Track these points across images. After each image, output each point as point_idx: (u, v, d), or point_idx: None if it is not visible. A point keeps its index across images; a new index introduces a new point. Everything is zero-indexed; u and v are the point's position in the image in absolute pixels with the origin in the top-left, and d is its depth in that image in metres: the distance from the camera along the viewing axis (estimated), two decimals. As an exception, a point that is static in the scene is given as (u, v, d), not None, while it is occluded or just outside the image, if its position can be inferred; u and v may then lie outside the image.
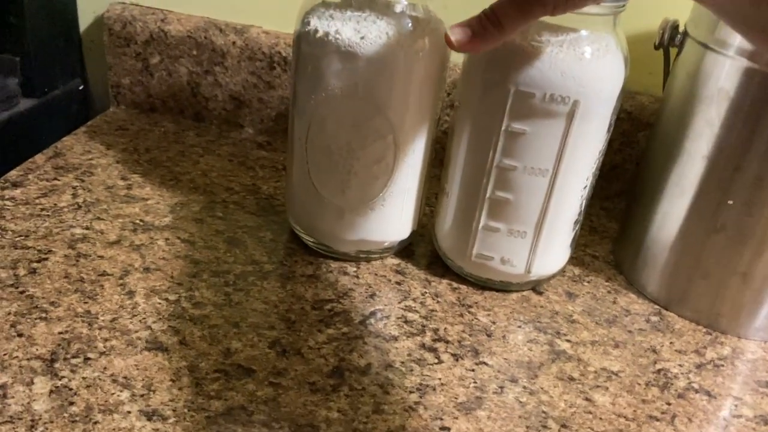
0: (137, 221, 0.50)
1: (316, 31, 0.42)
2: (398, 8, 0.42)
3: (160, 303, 0.43)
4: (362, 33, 0.41)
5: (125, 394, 0.36)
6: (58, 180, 0.54)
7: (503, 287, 0.48)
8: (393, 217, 0.47)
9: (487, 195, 0.44)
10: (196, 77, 0.65)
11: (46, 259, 0.45)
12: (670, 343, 0.45)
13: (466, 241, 0.46)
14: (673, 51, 0.49)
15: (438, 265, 0.50)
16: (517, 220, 0.45)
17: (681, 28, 0.48)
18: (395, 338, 0.43)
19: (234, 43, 0.63)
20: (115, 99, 0.68)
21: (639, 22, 0.55)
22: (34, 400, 0.35)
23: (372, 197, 0.46)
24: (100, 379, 0.37)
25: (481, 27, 0.34)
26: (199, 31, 0.63)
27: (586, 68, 0.40)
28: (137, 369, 0.38)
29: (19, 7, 0.59)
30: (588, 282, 0.51)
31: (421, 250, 0.52)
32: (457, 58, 0.46)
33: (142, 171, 0.57)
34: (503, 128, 0.42)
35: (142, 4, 0.65)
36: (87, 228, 0.49)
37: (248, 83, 0.64)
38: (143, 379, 0.37)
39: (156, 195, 0.54)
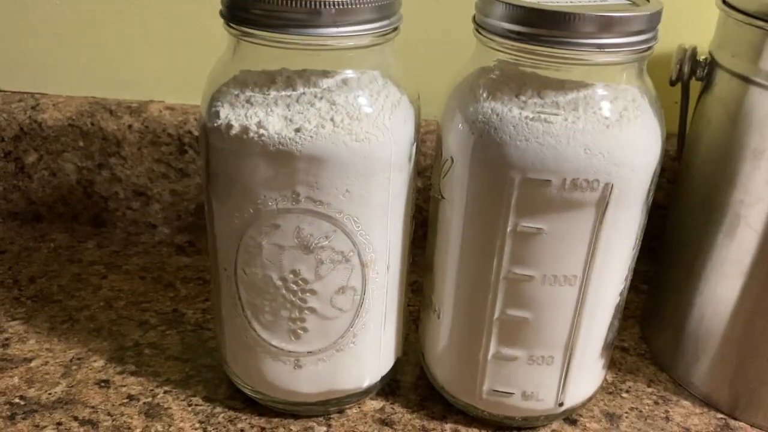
0: (16, 400, 0.36)
1: (230, 126, 0.29)
2: (342, 79, 0.30)
3: None
4: (296, 123, 0.29)
5: None
6: None
7: (527, 425, 0.36)
8: (369, 354, 0.35)
9: (496, 315, 0.32)
10: (88, 174, 0.51)
11: None
12: (757, 473, 0.34)
13: (473, 374, 0.34)
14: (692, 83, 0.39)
15: (434, 400, 0.37)
16: (539, 344, 0.33)
17: (702, 56, 0.37)
18: None
19: (130, 126, 0.49)
20: (-13, 211, 0.53)
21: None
22: None
23: (337, 337, 0.33)
24: None
25: None
26: (83, 116, 0.49)
27: (617, 138, 0.29)
28: None
29: None
30: (627, 392, 0.39)
31: (409, 378, 0.39)
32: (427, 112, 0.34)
33: (24, 314, 0.43)
34: (510, 228, 0.30)
35: (5, 89, 0.51)
36: (-60, 427, 0.34)
37: (155, 173, 0.51)
38: None
39: (44, 350, 0.40)
